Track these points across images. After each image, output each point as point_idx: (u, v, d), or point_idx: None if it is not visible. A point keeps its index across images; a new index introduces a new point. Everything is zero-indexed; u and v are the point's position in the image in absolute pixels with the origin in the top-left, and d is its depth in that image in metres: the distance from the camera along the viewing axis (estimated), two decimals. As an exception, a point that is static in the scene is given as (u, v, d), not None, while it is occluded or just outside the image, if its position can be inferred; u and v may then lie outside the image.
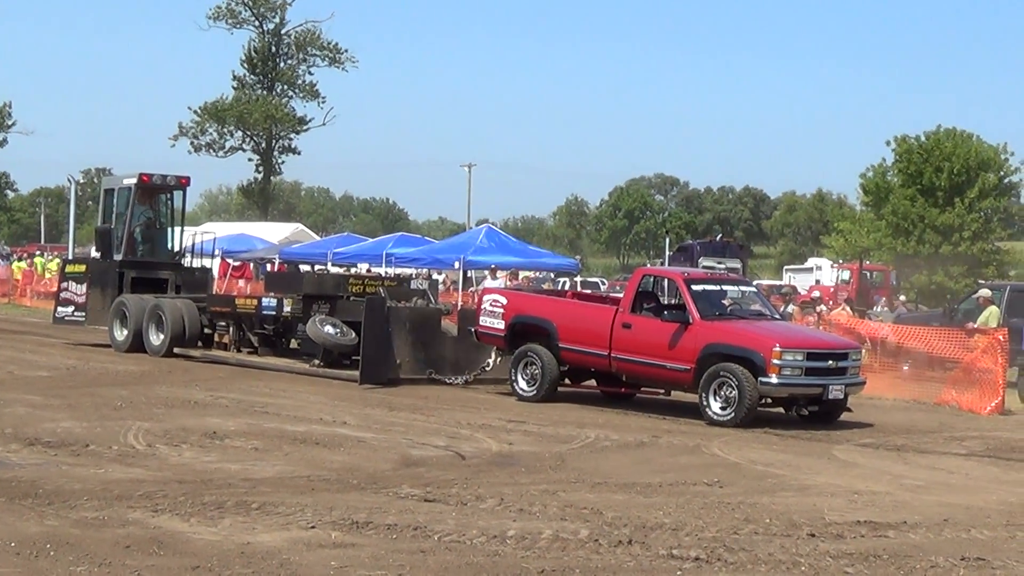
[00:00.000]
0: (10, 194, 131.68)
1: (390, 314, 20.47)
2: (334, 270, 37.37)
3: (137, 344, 24.00)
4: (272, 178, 71.90)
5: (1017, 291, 25.89)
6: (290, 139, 70.36)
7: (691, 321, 17.57)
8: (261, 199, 70.93)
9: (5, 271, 51.21)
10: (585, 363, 19.10)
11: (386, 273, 34.12)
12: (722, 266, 47.33)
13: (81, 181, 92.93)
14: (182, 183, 26.85)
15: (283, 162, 71.43)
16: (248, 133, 68.81)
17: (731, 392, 16.88)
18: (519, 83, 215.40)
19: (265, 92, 69.23)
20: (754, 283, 27.87)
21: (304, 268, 39.96)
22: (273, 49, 70.01)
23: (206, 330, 24.00)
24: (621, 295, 20.70)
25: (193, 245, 27.37)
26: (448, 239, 47.74)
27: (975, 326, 22.03)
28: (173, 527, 9.13)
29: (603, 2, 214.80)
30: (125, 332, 24.44)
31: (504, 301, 19.89)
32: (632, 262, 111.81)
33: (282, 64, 70.38)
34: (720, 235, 77.11)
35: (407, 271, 35.37)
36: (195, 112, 68.28)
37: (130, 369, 21.18)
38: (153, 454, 12.50)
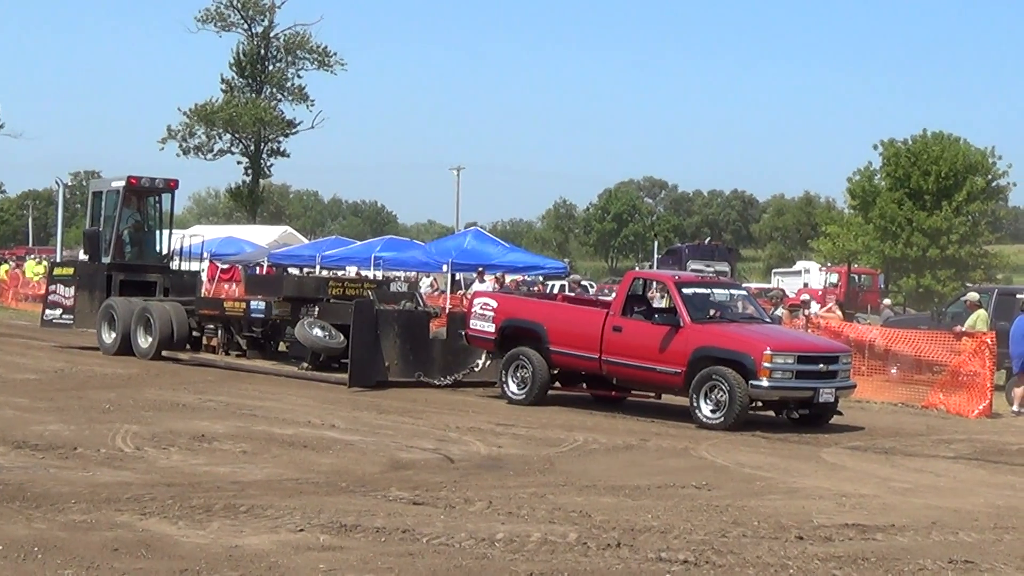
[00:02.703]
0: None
1: (379, 317, 20.46)
2: (323, 273, 37.35)
3: (125, 347, 23.95)
4: (261, 181, 71.65)
5: (1005, 294, 25.93)
6: (279, 142, 70.17)
7: (682, 324, 17.58)
8: (250, 202, 70.69)
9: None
10: (576, 366, 19.10)
11: (373, 276, 34.14)
12: (711, 269, 47.48)
13: (70, 184, 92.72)
14: (170, 186, 26.81)
15: (272, 165, 71.19)
16: (237, 136, 68.66)
17: (722, 395, 16.88)
18: (507, 86, 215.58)
19: (254, 95, 69.09)
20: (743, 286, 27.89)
21: (293, 271, 39.95)
22: (262, 52, 69.84)
23: (194, 333, 23.95)
24: (610, 298, 20.71)
25: (181, 248, 27.35)
26: (436, 241, 47.71)
27: (963, 329, 22.07)
28: (161, 530, 9.11)
29: (591, 5, 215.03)
30: (113, 335, 24.38)
31: (494, 304, 19.89)
32: (620, 265, 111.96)
33: (271, 67, 70.19)
34: (709, 238, 77.32)
35: (395, 274, 35.38)
36: (184, 114, 68.13)
37: (118, 372, 21.13)
38: (141, 457, 12.47)
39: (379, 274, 35.49)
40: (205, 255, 36.37)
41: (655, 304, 21.02)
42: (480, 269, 33.91)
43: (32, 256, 62.33)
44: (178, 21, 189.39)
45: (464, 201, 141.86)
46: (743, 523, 10.26)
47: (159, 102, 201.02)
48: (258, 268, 43.57)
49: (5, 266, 52.63)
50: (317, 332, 21.07)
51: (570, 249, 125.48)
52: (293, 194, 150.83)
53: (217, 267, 42.59)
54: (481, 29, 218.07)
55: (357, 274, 36.52)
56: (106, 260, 25.91)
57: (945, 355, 21.03)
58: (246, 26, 69.92)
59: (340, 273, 37.48)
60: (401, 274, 35.43)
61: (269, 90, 69.96)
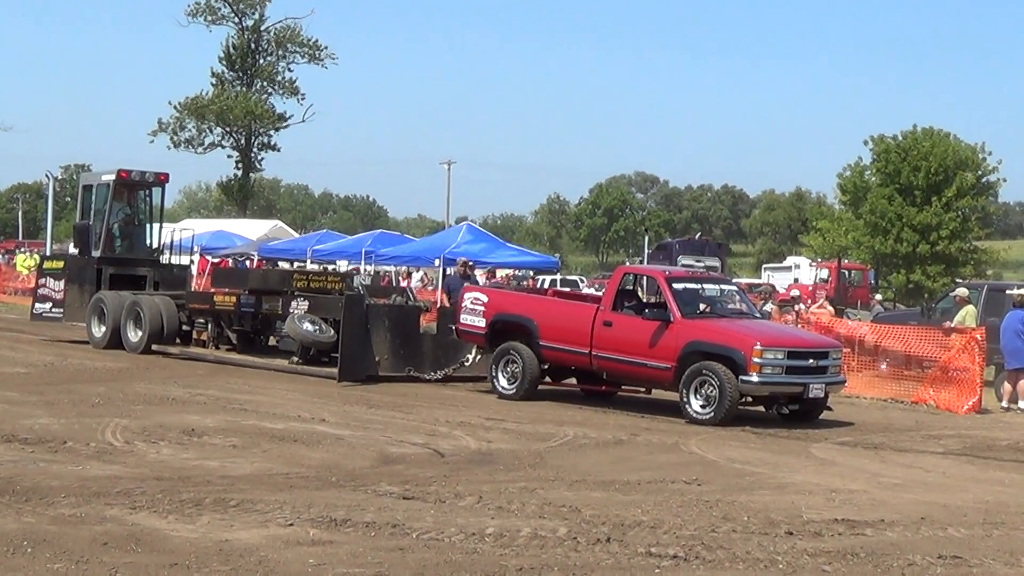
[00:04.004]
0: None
1: (369, 311, 20.44)
2: (313, 267, 37.35)
3: (115, 341, 23.90)
4: (251, 175, 71.57)
5: (995, 290, 25.97)
6: (269, 136, 70.13)
7: (672, 319, 17.58)
8: (240, 196, 70.60)
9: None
10: (566, 361, 19.09)
11: (356, 269, 34.15)
12: (701, 264, 47.51)
13: (60, 177, 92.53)
14: (161, 179, 26.77)
15: (262, 159, 71.17)
16: (227, 129, 68.54)
17: (712, 390, 16.88)
18: (499, 80, 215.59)
19: (244, 89, 68.95)
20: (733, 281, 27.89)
21: (283, 265, 39.96)
22: (252, 46, 69.72)
23: (184, 327, 23.91)
24: (601, 293, 20.71)
25: (172, 242, 27.34)
26: (428, 236, 47.70)
27: (952, 325, 22.11)
28: (151, 524, 9.09)
29: (583, 1, 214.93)
30: (103, 329, 24.33)
31: (485, 299, 19.88)
32: (611, 260, 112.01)
33: (261, 61, 70.09)
34: (699, 233, 77.32)
35: (386, 268, 35.40)
36: (175, 108, 67.98)
37: (108, 366, 21.09)
38: (131, 451, 12.45)
39: (370, 268, 35.51)
40: (195, 249, 36.33)
41: (645, 299, 21.00)
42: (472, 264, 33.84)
43: (22, 249, 62.13)
44: (168, 15, 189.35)
45: (455, 195, 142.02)
46: (733, 518, 10.28)
47: (150, 96, 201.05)
48: (248, 262, 43.55)
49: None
50: (307, 326, 21.03)
51: (561, 244, 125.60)
52: (284, 188, 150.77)
53: (207, 261, 42.57)
54: (472, 23, 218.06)
55: (356, 269, 36.53)
56: (96, 254, 25.87)
57: (935, 351, 21.07)
58: (236, 19, 69.82)
59: (332, 267, 37.51)
60: (354, 267, 35.50)
61: (260, 84, 69.87)
